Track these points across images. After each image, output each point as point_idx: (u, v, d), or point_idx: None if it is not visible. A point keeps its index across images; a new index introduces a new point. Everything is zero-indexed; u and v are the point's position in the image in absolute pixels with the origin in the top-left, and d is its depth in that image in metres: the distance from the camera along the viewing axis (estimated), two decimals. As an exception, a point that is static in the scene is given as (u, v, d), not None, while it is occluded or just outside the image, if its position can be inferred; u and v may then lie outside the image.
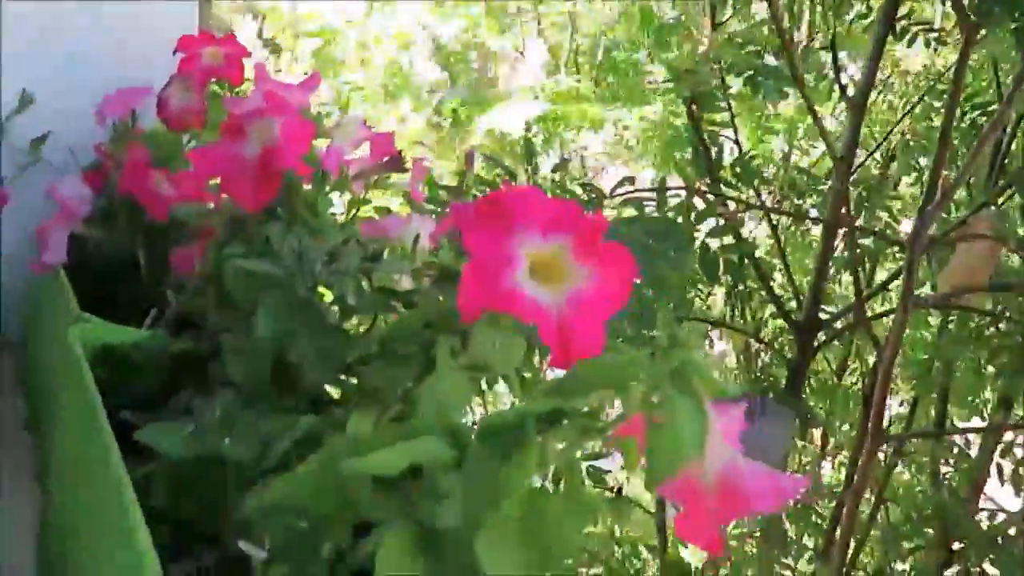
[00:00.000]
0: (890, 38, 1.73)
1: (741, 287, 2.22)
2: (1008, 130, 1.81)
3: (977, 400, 2.19)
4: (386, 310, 0.51)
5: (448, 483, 0.34)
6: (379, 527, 0.35)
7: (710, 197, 1.72)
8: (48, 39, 0.94)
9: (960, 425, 2.32)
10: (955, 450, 2.12)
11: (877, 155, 2.31)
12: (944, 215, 1.80)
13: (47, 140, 0.89)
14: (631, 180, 1.72)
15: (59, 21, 0.94)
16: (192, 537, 0.44)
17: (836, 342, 2.24)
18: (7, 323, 0.95)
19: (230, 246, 0.62)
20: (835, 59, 1.95)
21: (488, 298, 0.41)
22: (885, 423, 2.09)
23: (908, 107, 2.26)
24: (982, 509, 1.98)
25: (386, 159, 0.68)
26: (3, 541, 0.65)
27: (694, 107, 1.95)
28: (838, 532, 1.75)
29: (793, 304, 2.13)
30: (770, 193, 2.16)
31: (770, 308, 2.17)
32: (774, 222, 2.22)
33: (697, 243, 1.71)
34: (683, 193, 1.68)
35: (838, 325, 2.07)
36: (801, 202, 2.01)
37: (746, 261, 2.15)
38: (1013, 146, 1.88)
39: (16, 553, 0.64)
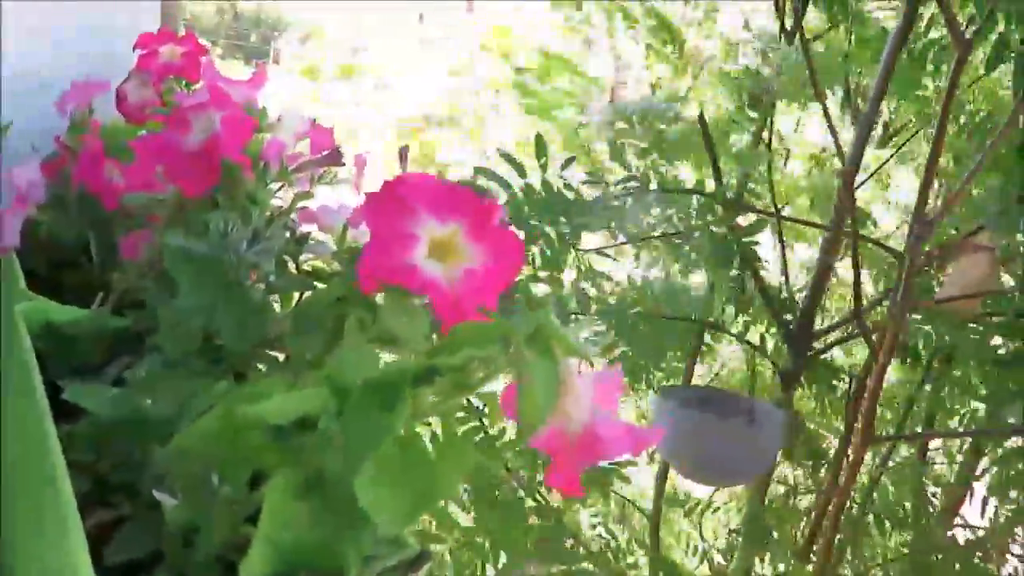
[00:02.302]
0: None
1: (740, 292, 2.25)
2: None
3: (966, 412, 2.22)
4: (307, 289, 0.55)
5: (334, 431, 0.38)
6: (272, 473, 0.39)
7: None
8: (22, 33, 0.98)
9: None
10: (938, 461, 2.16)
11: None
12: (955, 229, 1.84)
13: (9, 130, 0.93)
14: (635, 178, 1.78)
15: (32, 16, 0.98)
16: (112, 489, 0.47)
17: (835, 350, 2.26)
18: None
19: (172, 231, 0.66)
20: (847, 75, 1.98)
21: (387, 272, 0.45)
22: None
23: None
24: (957, 525, 2.02)
25: (325, 153, 0.72)
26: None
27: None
28: (820, 533, 1.77)
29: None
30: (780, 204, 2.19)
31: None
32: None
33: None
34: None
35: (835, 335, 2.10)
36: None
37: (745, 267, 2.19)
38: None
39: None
